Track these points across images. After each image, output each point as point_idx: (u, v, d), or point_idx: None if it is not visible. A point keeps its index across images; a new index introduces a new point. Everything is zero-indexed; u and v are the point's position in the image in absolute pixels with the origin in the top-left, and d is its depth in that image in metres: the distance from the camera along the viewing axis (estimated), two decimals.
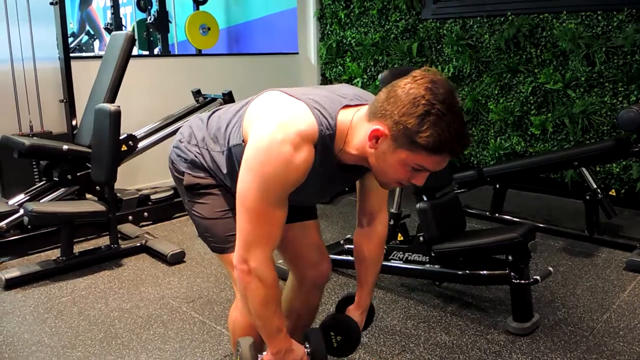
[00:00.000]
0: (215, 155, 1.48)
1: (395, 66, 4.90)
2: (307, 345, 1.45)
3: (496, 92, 4.37)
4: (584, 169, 3.33)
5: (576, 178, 4.01)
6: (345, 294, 1.74)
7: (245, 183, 1.26)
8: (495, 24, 4.28)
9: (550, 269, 2.44)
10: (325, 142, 1.27)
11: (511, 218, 3.67)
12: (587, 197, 3.25)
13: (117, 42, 3.65)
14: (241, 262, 1.28)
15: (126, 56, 3.61)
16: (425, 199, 2.56)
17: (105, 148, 3.02)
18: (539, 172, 3.82)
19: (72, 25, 9.15)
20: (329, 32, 5.52)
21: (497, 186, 3.69)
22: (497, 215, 3.73)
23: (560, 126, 4.08)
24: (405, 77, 1.20)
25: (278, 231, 1.31)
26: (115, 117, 3.00)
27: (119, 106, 3.07)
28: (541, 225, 3.52)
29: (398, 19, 4.90)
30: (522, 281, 2.29)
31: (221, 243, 1.50)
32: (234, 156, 1.40)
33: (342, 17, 5.33)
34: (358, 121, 1.28)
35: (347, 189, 4.43)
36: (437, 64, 4.70)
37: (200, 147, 1.51)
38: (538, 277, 2.30)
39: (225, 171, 1.45)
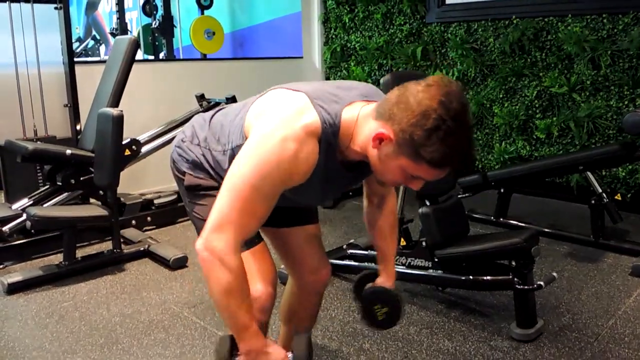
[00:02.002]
0: (217, 155, 1.46)
1: (399, 70, 4.88)
2: (292, 352, 1.39)
3: (501, 95, 4.34)
4: (589, 173, 3.30)
5: (582, 182, 3.97)
6: (360, 275, 1.73)
7: (241, 167, 1.21)
8: (500, 27, 4.25)
9: (554, 274, 2.41)
10: (329, 138, 1.24)
11: (516, 223, 3.64)
12: (593, 202, 3.21)
13: (121, 47, 3.65)
14: (206, 244, 1.20)
15: (129, 60, 3.62)
16: (427, 203, 2.55)
17: (107, 152, 3.02)
18: (544, 176, 3.78)
19: (79, 30, 9.19)
20: (334, 36, 5.52)
21: (502, 190, 3.67)
22: (501, 220, 3.70)
23: (566, 130, 4.04)
24: (419, 83, 1.16)
25: (256, 224, 1.26)
26: (118, 122, 3.00)
27: (121, 110, 3.07)
28: (546, 230, 3.49)
29: (402, 22, 4.89)
30: (526, 287, 2.26)
31: None
32: (236, 156, 1.38)
33: (347, 21, 5.32)
34: (364, 118, 1.25)
35: (350, 192, 4.46)
36: (442, 67, 4.68)
37: (202, 147, 1.49)
38: (542, 283, 2.27)
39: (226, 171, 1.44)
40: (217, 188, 1.48)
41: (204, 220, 1.49)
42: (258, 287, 1.43)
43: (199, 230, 1.53)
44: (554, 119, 4.05)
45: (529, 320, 2.32)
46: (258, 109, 1.34)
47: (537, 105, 4.16)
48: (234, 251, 1.21)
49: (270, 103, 1.33)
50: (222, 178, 1.47)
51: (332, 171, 1.32)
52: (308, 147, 1.21)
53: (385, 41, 5.02)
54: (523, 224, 3.59)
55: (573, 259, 3.14)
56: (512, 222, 3.65)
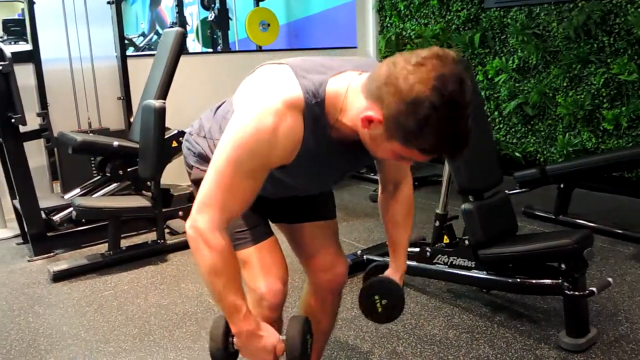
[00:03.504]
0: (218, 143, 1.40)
1: None
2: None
3: (565, 84, 4.05)
4: None
5: None
6: (370, 266, 1.63)
7: (221, 147, 1.16)
8: (564, 11, 3.96)
9: (610, 279, 2.19)
10: (313, 110, 1.15)
11: (577, 221, 3.38)
12: None
13: (168, 39, 3.68)
14: (192, 224, 1.17)
15: (176, 53, 3.63)
16: (471, 199, 2.39)
17: (150, 144, 3.04)
18: (609, 170, 3.50)
19: (143, 26, 9.47)
20: (388, 25, 5.36)
21: (562, 186, 3.42)
22: (561, 217, 3.45)
23: (636, 121, 3.73)
24: (409, 60, 1.02)
25: (239, 204, 1.19)
26: (160, 114, 3.01)
27: (164, 102, 3.09)
28: (611, 229, 3.22)
29: (459, 8, 4.67)
30: (576, 292, 2.07)
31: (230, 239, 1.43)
32: None
33: (402, 8, 5.16)
34: (354, 91, 1.14)
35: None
36: (501, 55, 4.43)
37: (207, 139, 1.44)
38: (594, 289, 2.07)
39: None
40: None
41: None
42: (261, 284, 1.37)
43: None
44: (623, 108, 3.74)
45: (580, 328, 2.12)
46: (242, 87, 1.27)
47: (604, 94, 3.85)
48: (218, 230, 1.16)
49: (253, 79, 1.26)
50: None
51: (327, 150, 1.22)
52: (289, 121, 1.12)
53: (441, 28, 4.82)
54: (584, 222, 3.33)
55: (638, 262, 2.87)
56: (573, 220, 3.40)
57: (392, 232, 1.57)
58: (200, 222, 1.15)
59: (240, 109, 1.17)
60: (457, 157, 1.10)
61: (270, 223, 1.51)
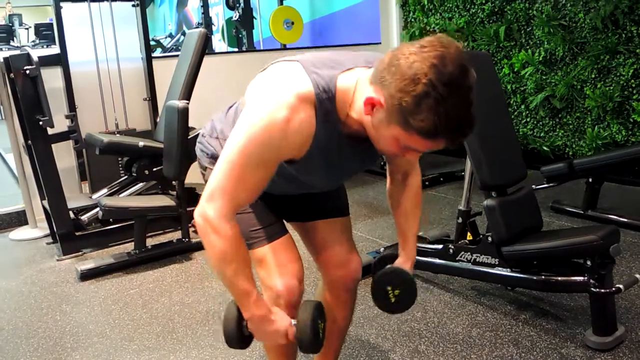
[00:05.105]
0: None
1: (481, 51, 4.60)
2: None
3: (593, 76, 3.95)
4: None
5: None
6: (380, 255, 1.63)
7: (233, 138, 1.18)
8: (590, 1, 3.86)
9: (638, 276, 2.13)
10: (325, 105, 1.16)
11: (606, 216, 3.30)
12: None
13: (191, 40, 3.71)
14: (200, 212, 1.18)
15: (200, 53, 3.66)
16: (494, 195, 2.35)
17: (174, 144, 3.08)
18: (638, 164, 3.40)
19: (171, 27, 9.60)
20: (412, 20, 5.31)
21: (590, 180, 3.34)
22: (590, 212, 3.37)
23: None
24: (413, 44, 1.04)
25: (247, 195, 1.20)
26: (183, 114, 3.04)
27: (187, 103, 3.12)
28: None
29: (484, 1, 4.59)
30: (602, 290, 2.01)
31: (245, 239, 1.44)
32: None
33: (426, 3, 5.10)
34: (362, 83, 1.16)
35: (427, 182, 4.25)
36: (527, 47, 4.35)
37: (220, 140, 1.45)
38: (621, 286, 2.01)
39: None
40: None
41: None
42: (277, 282, 1.37)
43: None
44: None
45: (607, 326, 2.07)
46: (254, 84, 1.29)
47: (634, 85, 3.74)
48: (226, 218, 1.17)
49: (264, 76, 1.28)
50: None
51: (337, 146, 1.23)
52: (302, 114, 1.13)
53: (466, 22, 4.75)
54: (614, 217, 3.24)
55: None
56: (602, 215, 3.32)
57: (401, 221, 1.58)
58: (210, 211, 1.17)
59: (253, 103, 1.18)
60: (458, 142, 1.08)
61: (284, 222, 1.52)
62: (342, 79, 1.17)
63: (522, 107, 4.52)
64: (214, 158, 1.45)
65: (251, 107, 1.18)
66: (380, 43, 5.51)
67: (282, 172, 1.25)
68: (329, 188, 1.53)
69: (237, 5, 6.73)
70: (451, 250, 2.53)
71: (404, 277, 1.50)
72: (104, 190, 3.64)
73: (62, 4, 3.75)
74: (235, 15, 6.47)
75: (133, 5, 4.04)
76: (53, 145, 3.31)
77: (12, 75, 3.20)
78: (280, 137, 1.13)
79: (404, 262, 1.55)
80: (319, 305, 1.29)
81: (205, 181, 1.48)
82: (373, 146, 1.20)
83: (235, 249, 1.19)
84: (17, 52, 3.44)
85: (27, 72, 3.12)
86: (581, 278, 2.07)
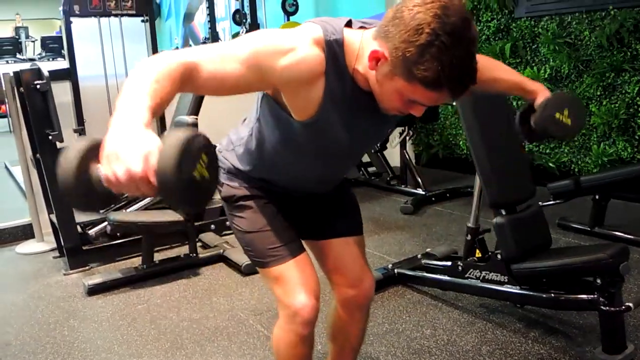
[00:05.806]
0: (246, 141, 1.44)
1: None
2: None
3: (598, 93, 3.97)
4: None
5: None
6: (517, 115, 1.63)
7: (240, 38, 1.18)
8: (596, 19, 3.89)
9: None
10: (334, 50, 1.17)
11: (613, 233, 3.29)
12: None
13: None
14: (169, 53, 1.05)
15: None
16: (503, 212, 2.35)
17: None
18: None
19: (177, 41, 9.68)
20: None
21: (597, 197, 3.34)
22: (597, 229, 3.37)
23: None
24: None
25: (210, 73, 1.09)
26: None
27: (196, 118, 3.15)
28: None
29: (489, 19, 4.63)
30: (612, 308, 2.01)
31: (261, 257, 1.46)
32: (262, 120, 1.36)
33: None
34: (367, 38, 1.17)
35: (433, 198, 4.24)
36: (533, 64, 4.37)
37: (235, 146, 1.48)
38: (631, 304, 2.01)
39: (254, 149, 1.42)
40: (251, 197, 1.45)
41: (245, 232, 1.46)
42: (301, 298, 1.39)
43: (241, 242, 1.51)
44: None
45: (616, 344, 2.06)
46: None
47: (639, 103, 3.76)
48: (175, 58, 1.04)
49: None
50: (254, 170, 1.45)
51: (351, 101, 1.23)
52: (311, 50, 1.15)
53: None
54: (621, 234, 3.24)
55: None
56: (609, 232, 3.32)
57: (503, 83, 1.56)
58: (174, 54, 1.06)
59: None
60: (461, 94, 1.09)
61: None
62: (348, 32, 1.19)
63: None
64: (230, 172, 1.48)
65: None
66: None
67: (303, 138, 1.27)
68: (349, 158, 1.50)
69: (244, 20, 6.79)
70: (460, 268, 2.54)
71: (560, 97, 1.48)
72: (113, 205, 3.65)
73: (72, 18, 3.80)
74: (242, 30, 6.52)
75: (142, 21, 4.08)
76: None
77: (21, 89, 3.23)
78: (284, 54, 1.13)
79: (542, 95, 1.54)
80: (204, 136, 0.93)
81: (223, 198, 1.50)
82: (380, 112, 1.22)
83: (169, 76, 1.01)
84: (26, 65, 3.47)
85: (38, 86, 3.15)
86: (591, 296, 2.07)
